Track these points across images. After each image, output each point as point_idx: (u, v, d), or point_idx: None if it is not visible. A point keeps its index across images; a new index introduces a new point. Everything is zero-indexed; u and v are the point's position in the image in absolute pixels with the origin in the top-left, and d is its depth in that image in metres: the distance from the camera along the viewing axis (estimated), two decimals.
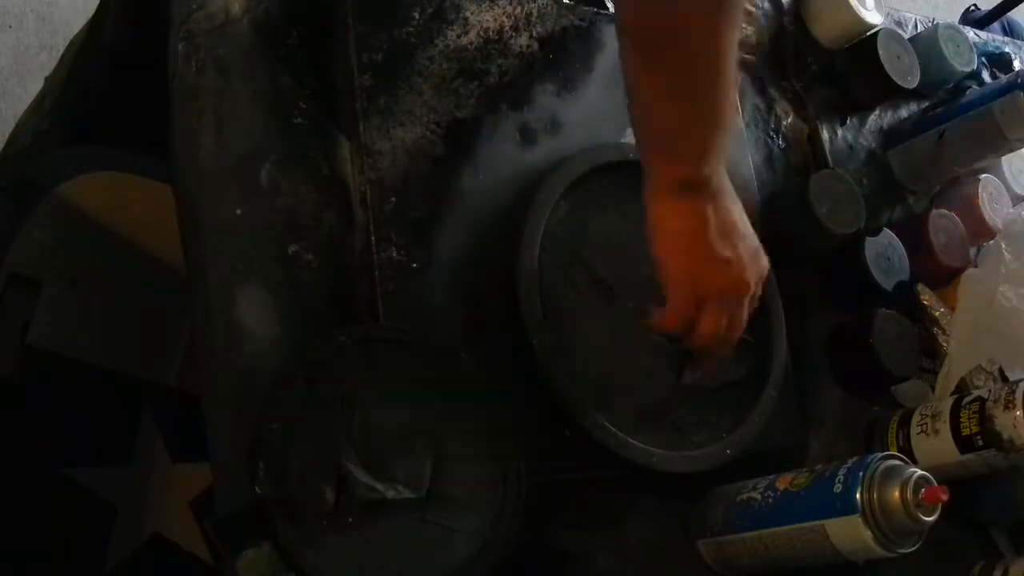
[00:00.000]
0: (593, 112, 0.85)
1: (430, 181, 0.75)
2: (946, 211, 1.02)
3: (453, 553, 0.62)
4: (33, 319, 0.93)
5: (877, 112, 1.10)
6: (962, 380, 0.95)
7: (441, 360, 0.66)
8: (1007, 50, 1.23)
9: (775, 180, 0.97)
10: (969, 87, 1.13)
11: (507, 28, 0.83)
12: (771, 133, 0.99)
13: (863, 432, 0.93)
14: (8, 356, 0.92)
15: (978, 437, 0.82)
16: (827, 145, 1.03)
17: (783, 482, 0.74)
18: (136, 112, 0.85)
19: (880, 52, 1.03)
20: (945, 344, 0.96)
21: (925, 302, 0.97)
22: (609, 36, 0.89)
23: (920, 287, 0.97)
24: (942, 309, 0.98)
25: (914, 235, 0.98)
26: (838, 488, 0.70)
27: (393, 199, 0.73)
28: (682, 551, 0.79)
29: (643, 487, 0.78)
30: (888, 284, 0.94)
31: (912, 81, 1.06)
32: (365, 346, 0.64)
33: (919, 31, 1.16)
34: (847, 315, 0.95)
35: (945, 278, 1.00)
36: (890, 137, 1.09)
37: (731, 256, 0.70)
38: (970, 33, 1.19)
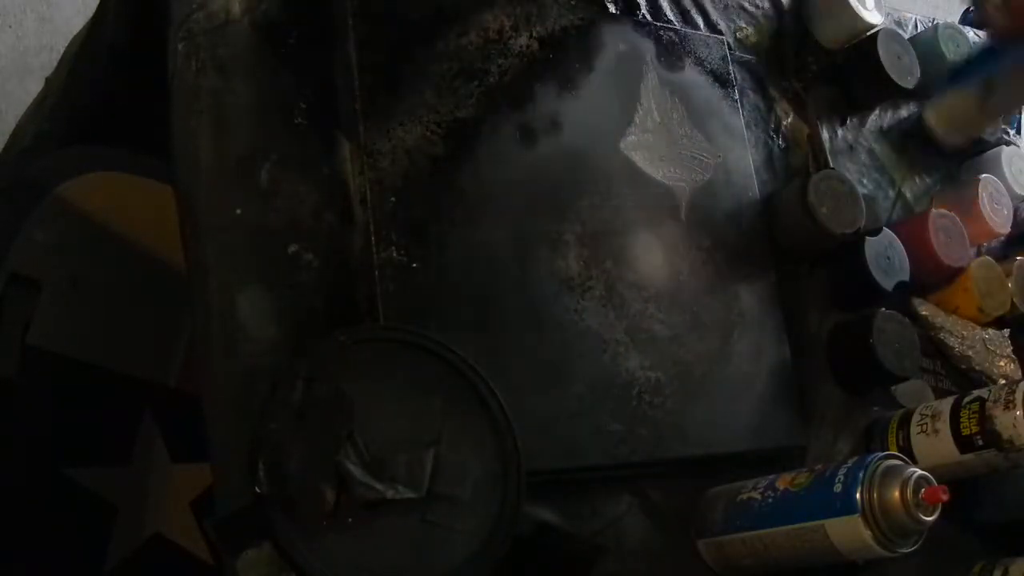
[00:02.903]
0: (593, 112, 0.85)
1: (430, 181, 0.75)
2: (946, 211, 1.02)
3: (453, 553, 0.62)
4: (33, 319, 0.93)
5: (877, 112, 1.10)
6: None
7: (440, 360, 0.66)
8: None
9: (775, 180, 0.97)
10: None
11: (507, 28, 0.83)
12: (771, 133, 0.99)
13: (863, 432, 0.93)
14: (8, 356, 0.92)
15: (978, 437, 0.82)
16: (827, 145, 1.02)
17: (783, 482, 0.74)
18: (136, 112, 0.85)
19: (880, 52, 1.03)
20: (957, 347, 0.96)
21: (924, 312, 0.98)
22: (609, 36, 0.89)
23: (916, 300, 0.97)
24: (941, 316, 0.98)
25: (914, 235, 0.98)
26: (838, 488, 0.70)
27: (393, 199, 0.73)
28: (682, 551, 0.79)
29: (643, 486, 0.79)
30: (888, 284, 0.94)
31: (912, 81, 1.06)
32: (365, 346, 0.64)
33: (919, 31, 1.16)
34: (847, 315, 0.95)
35: (945, 278, 1.00)
36: (889, 136, 1.09)
37: None
38: (970, 33, 1.19)
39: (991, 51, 0.94)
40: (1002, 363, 0.99)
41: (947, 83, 0.99)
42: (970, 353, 0.98)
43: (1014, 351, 1.01)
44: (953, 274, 1.00)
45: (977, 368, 0.99)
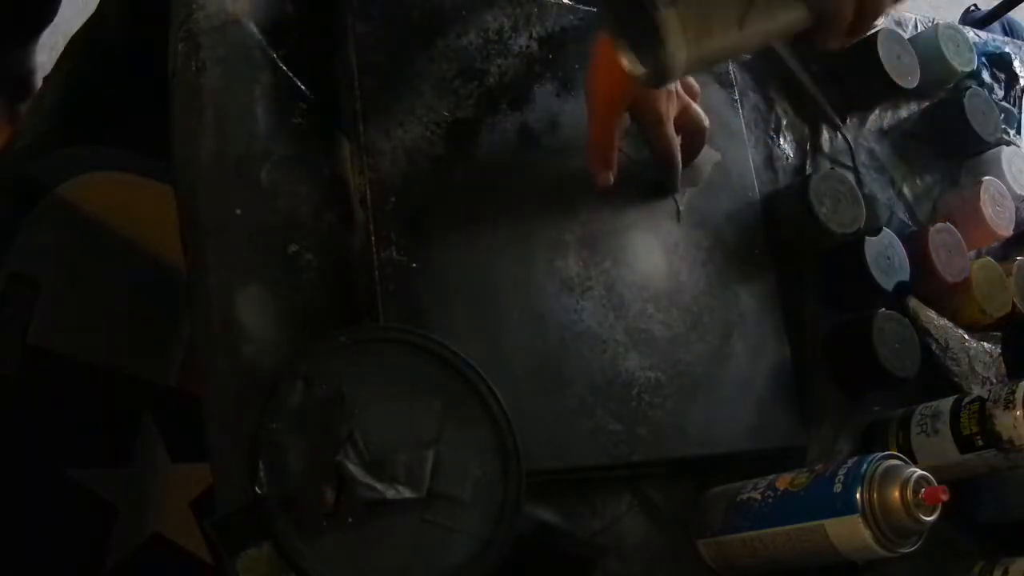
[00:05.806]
0: None
1: (430, 181, 0.75)
2: (945, 224, 1.01)
3: (453, 553, 0.62)
4: (33, 319, 0.93)
5: (877, 112, 1.10)
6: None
7: (440, 360, 0.66)
8: (1007, 50, 1.23)
9: (775, 180, 0.97)
10: (969, 87, 1.13)
11: (507, 28, 0.83)
12: (771, 133, 0.99)
13: (863, 432, 0.93)
14: (8, 356, 0.92)
15: (978, 437, 0.82)
16: (827, 145, 1.03)
17: (783, 482, 0.74)
18: (136, 112, 0.85)
19: (880, 52, 1.03)
20: (940, 355, 0.96)
21: (913, 311, 0.97)
22: None
23: (911, 299, 0.97)
24: (933, 320, 0.97)
25: (914, 253, 0.97)
26: (838, 488, 0.70)
27: (393, 199, 0.73)
28: (682, 551, 0.79)
29: (643, 486, 0.79)
30: (888, 284, 0.94)
31: (912, 81, 1.06)
32: (365, 346, 0.64)
33: (919, 31, 1.16)
34: (847, 315, 0.95)
35: (948, 294, 1.00)
36: (889, 136, 1.09)
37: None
38: (970, 33, 1.19)
39: None
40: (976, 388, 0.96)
41: None
42: (952, 367, 0.97)
43: (1005, 360, 1.00)
44: (955, 288, 0.99)
45: (956, 381, 0.97)
